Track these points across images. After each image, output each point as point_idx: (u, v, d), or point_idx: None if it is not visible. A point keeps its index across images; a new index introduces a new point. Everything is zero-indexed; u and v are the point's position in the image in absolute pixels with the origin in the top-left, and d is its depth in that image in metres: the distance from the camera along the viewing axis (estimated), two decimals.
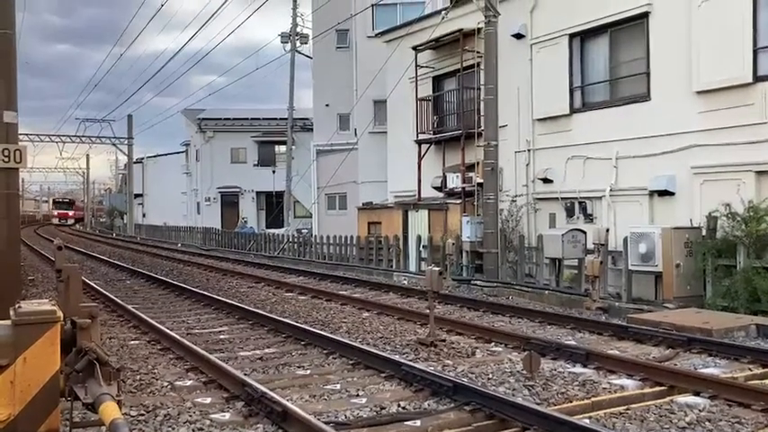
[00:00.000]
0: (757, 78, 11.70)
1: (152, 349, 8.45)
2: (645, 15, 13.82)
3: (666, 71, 13.35)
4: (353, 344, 8.04)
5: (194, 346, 7.82)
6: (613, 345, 8.37)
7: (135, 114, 67.49)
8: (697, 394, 5.99)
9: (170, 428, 5.28)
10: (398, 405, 5.86)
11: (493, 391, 5.88)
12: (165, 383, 6.69)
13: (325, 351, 8.06)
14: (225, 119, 48.04)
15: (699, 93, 12.60)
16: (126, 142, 49.56)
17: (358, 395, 6.23)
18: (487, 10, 15.23)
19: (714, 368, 7.05)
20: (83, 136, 48.89)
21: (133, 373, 7.04)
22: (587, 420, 5.26)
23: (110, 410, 2.88)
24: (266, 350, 8.30)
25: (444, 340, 8.47)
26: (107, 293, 13.03)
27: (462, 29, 18.21)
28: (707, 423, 5.28)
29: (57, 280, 8.18)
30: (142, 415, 5.59)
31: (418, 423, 5.33)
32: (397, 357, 7.34)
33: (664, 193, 13.19)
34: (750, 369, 6.97)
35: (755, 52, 11.76)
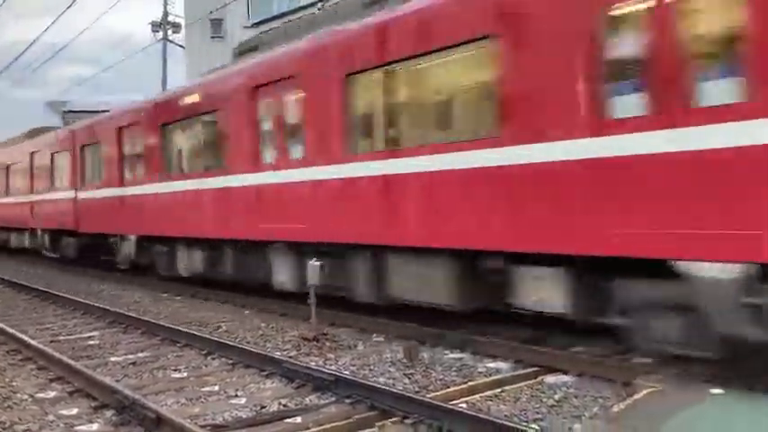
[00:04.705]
0: None
1: (11, 360, 7.83)
2: None
3: None
4: (233, 344, 7.84)
5: (59, 355, 7.32)
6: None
7: None
8: (565, 373, 6.32)
9: None
10: (279, 403, 5.77)
11: (373, 382, 5.92)
12: (26, 396, 6.22)
13: (203, 352, 7.81)
14: (92, 111, 45.34)
15: None
16: None
17: (237, 395, 6.07)
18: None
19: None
20: None
21: None
22: (464, 405, 5.42)
23: None
24: (139, 354, 7.93)
25: (327, 334, 8.43)
26: None
27: None
28: (574, 399, 5.58)
29: None
30: None
31: (299, 419, 5.27)
32: (277, 354, 7.23)
33: None
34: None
35: None
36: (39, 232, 20.34)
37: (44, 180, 19.61)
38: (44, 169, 19.64)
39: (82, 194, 16.88)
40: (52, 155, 19.05)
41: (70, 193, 17.47)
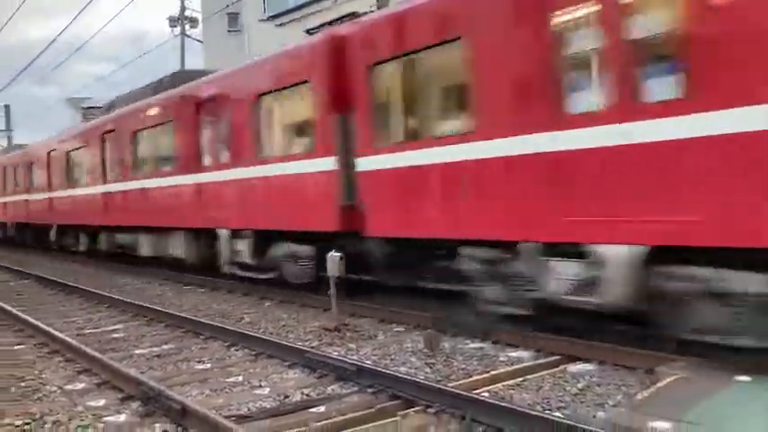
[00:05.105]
0: None
1: (39, 353, 7.97)
2: None
3: None
4: (255, 335, 7.91)
5: (86, 348, 7.44)
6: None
7: (14, 105, 63.06)
8: (588, 361, 6.30)
9: None
10: (302, 392, 5.82)
11: (395, 372, 5.94)
12: (54, 388, 6.33)
13: (226, 343, 7.89)
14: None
15: None
16: (5, 134, 46.38)
17: (260, 386, 6.13)
18: None
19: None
20: None
21: (18, 380, 6.61)
22: (486, 394, 5.43)
23: None
24: (164, 346, 8.03)
25: (348, 324, 8.48)
26: None
27: (356, 12, 18.11)
28: (597, 388, 5.57)
29: None
30: (28, 424, 5.25)
31: (322, 409, 5.31)
32: (299, 345, 7.28)
33: None
34: None
35: None
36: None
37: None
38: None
39: None
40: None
41: None
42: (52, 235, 21.56)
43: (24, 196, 23.59)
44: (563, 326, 6.80)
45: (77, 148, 18.84)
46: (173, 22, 32.01)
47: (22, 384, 6.47)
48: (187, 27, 31.83)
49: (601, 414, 4.94)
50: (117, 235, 16.83)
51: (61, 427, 5.16)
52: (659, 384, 5.27)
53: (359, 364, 6.17)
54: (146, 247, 15.23)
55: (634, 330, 6.51)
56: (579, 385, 5.65)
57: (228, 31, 28.51)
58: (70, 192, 19.22)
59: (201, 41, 30.86)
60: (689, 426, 4.28)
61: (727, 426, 4.31)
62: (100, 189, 16.91)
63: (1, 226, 27.81)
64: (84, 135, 18.43)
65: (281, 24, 22.14)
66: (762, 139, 4.92)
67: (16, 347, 8.36)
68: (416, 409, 5.16)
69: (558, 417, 4.74)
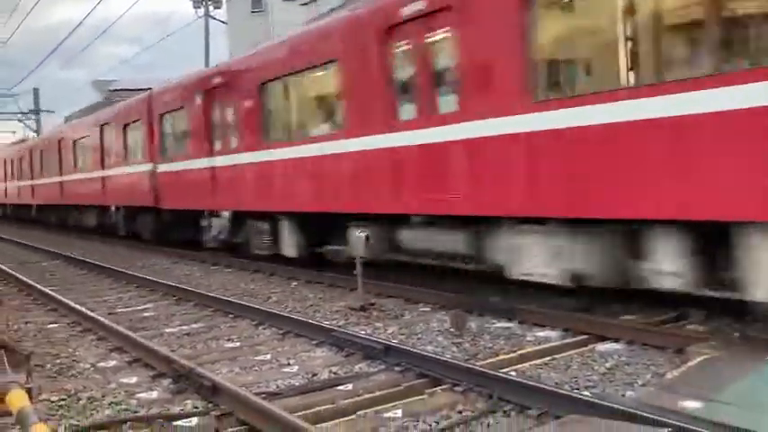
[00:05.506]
0: None
1: (72, 331, 8.14)
2: None
3: None
4: (283, 314, 7.98)
5: (117, 326, 7.58)
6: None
7: (42, 88, 63.87)
8: (616, 341, 6.26)
9: (94, 411, 5.11)
10: (330, 371, 5.88)
11: (421, 351, 5.96)
12: (88, 365, 6.47)
13: (254, 322, 7.98)
14: (137, 89, 46.08)
15: None
16: (33, 117, 47.03)
17: (289, 364, 6.20)
18: None
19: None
20: None
21: (52, 357, 6.77)
22: (514, 373, 5.43)
23: (17, 399, 2.72)
24: (193, 325, 8.15)
25: (374, 304, 8.51)
26: (20, 276, 12.41)
27: None
28: (626, 367, 5.53)
29: None
30: (63, 400, 5.38)
31: (350, 387, 5.36)
32: (327, 324, 7.34)
33: None
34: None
35: None
36: None
37: None
38: None
39: None
40: None
41: None
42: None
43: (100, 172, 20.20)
44: None
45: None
46: (196, 3, 32.07)
47: (57, 362, 6.62)
48: (211, 8, 31.88)
49: (630, 393, 4.91)
50: None
51: (95, 403, 5.27)
52: (689, 364, 5.24)
53: (386, 342, 6.20)
54: None
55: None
56: (607, 364, 5.63)
57: (252, 11, 28.50)
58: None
59: (225, 22, 30.88)
60: (722, 406, 4.24)
61: (761, 406, 4.26)
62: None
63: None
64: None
65: (304, 4, 22.04)
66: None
67: (50, 326, 8.54)
68: (443, 387, 5.18)
69: (587, 396, 4.72)
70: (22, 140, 38.20)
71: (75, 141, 22.66)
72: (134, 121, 17.55)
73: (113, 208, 19.52)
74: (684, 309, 6.73)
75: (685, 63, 6.14)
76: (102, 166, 19.81)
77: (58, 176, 24.07)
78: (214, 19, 32.20)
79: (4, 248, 20.52)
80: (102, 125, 20.05)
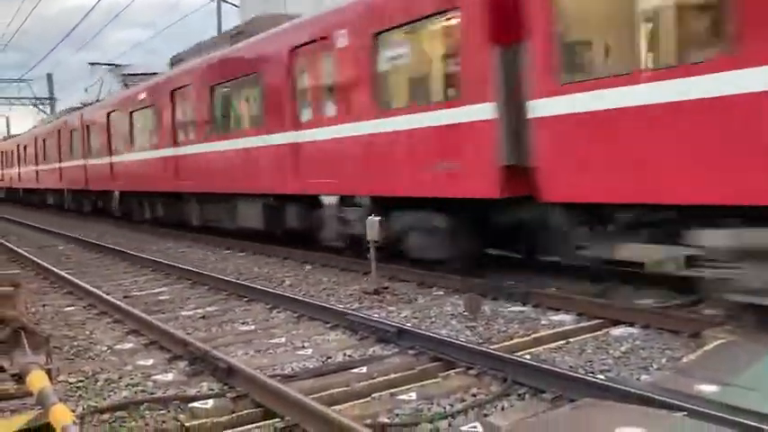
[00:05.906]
0: None
1: (88, 314, 8.22)
2: None
3: None
4: (297, 297, 8.02)
5: (133, 309, 7.65)
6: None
7: (55, 73, 64.07)
8: (631, 325, 6.23)
9: (111, 393, 5.17)
10: (344, 354, 5.90)
11: (435, 334, 5.97)
12: (104, 348, 6.54)
13: (269, 306, 8.02)
14: (151, 73, 46.12)
15: None
16: (48, 102, 47.26)
17: (303, 347, 6.23)
18: None
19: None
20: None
21: (70, 340, 6.84)
22: (528, 356, 5.43)
23: (37, 380, 2.76)
24: (208, 308, 8.20)
25: (387, 288, 8.53)
26: (38, 260, 12.54)
27: None
28: (641, 351, 5.51)
29: None
30: (81, 381, 5.44)
31: (364, 369, 5.38)
32: (340, 307, 7.36)
33: None
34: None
35: None
36: None
37: None
38: None
39: None
40: None
41: None
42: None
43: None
44: None
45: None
46: None
47: (75, 344, 6.69)
48: None
49: (645, 377, 4.90)
50: None
51: (112, 385, 5.33)
52: (706, 348, 5.21)
53: (400, 326, 6.21)
54: None
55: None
56: (622, 348, 5.61)
57: None
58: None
59: (237, 6, 30.78)
60: (738, 390, 4.21)
61: None
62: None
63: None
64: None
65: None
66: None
67: (66, 309, 8.63)
68: (458, 370, 5.19)
69: (601, 379, 4.71)
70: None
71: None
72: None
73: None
74: (700, 293, 6.68)
75: None
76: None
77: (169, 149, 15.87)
78: (226, 2, 32.12)
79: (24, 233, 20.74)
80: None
